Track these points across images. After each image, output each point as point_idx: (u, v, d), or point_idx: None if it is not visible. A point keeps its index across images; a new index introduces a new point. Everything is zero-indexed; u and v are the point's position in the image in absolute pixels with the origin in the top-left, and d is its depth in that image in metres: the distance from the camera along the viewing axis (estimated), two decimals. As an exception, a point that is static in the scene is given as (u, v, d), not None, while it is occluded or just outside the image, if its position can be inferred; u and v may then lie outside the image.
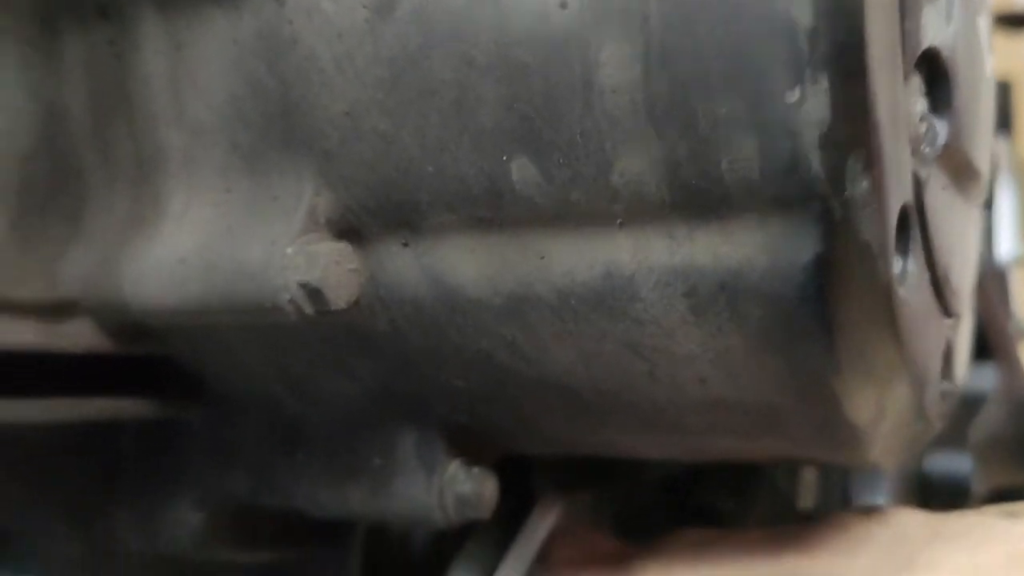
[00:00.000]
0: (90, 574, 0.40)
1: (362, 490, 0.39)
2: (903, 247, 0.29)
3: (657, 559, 0.43)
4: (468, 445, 0.38)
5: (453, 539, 0.51)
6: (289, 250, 0.30)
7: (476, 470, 0.38)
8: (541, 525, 0.48)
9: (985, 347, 0.65)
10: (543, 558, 0.48)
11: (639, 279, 0.29)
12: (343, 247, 0.31)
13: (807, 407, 0.30)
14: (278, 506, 0.42)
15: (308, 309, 0.31)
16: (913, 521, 0.38)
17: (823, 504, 0.51)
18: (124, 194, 0.35)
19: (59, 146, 0.34)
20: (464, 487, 0.38)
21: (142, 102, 0.34)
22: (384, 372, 0.36)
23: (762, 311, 0.28)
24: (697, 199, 0.27)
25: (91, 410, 0.34)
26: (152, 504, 0.43)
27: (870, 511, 0.40)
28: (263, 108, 0.32)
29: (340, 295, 0.31)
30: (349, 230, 0.32)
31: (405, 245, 0.32)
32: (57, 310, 0.34)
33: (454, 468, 0.38)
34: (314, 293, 0.30)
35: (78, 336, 0.35)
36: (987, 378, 0.63)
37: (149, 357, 0.38)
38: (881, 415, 0.32)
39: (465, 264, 0.31)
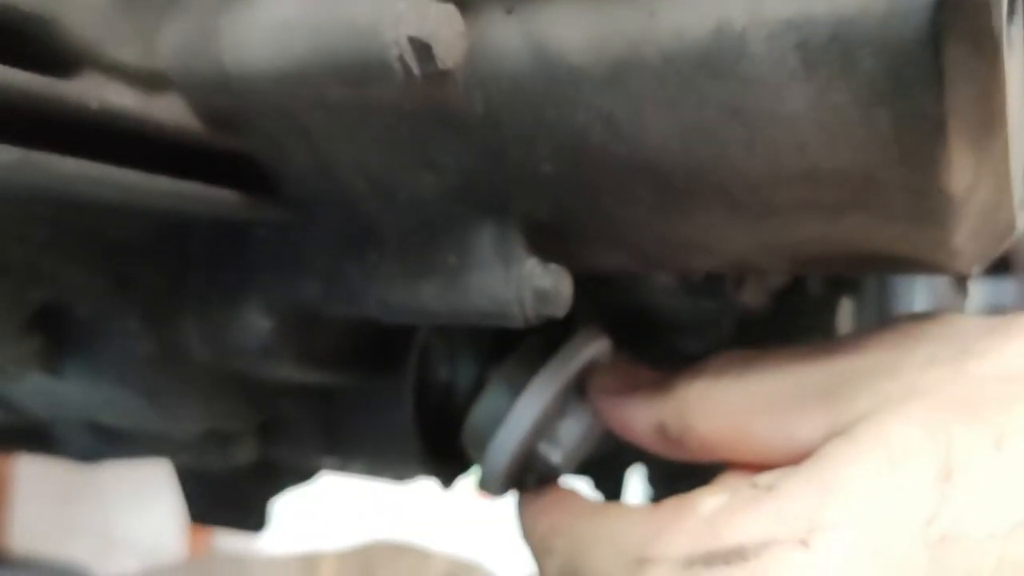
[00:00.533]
0: (159, 374, 0.40)
1: (437, 287, 0.39)
2: (1011, 7, 0.30)
3: (701, 379, 0.43)
4: (545, 248, 0.39)
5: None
6: (400, 5, 0.31)
7: (553, 266, 0.38)
8: (580, 350, 0.48)
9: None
10: (581, 390, 0.49)
11: (750, 33, 0.29)
12: (450, 8, 0.31)
13: (904, 171, 0.31)
14: (348, 313, 0.42)
15: (416, 67, 0.31)
16: (968, 320, 0.38)
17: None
18: (220, -36, 0.35)
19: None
20: (543, 281, 0.38)
21: None
22: (470, 161, 0.36)
23: (874, 60, 0.28)
24: (821, -63, 0.27)
25: (187, 192, 0.34)
26: (220, 310, 0.43)
27: (922, 314, 0.40)
28: None
29: (449, 54, 0.31)
30: (453, -6, 0.32)
31: (509, 12, 0.32)
32: (152, 81, 0.34)
33: (531, 264, 0.38)
34: (423, 49, 0.31)
35: (170, 112, 0.35)
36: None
37: (231, 153, 0.38)
38: (974, 188, 0.32)
39: (571, 28, 0.32)
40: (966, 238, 0.34)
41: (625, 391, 0.46)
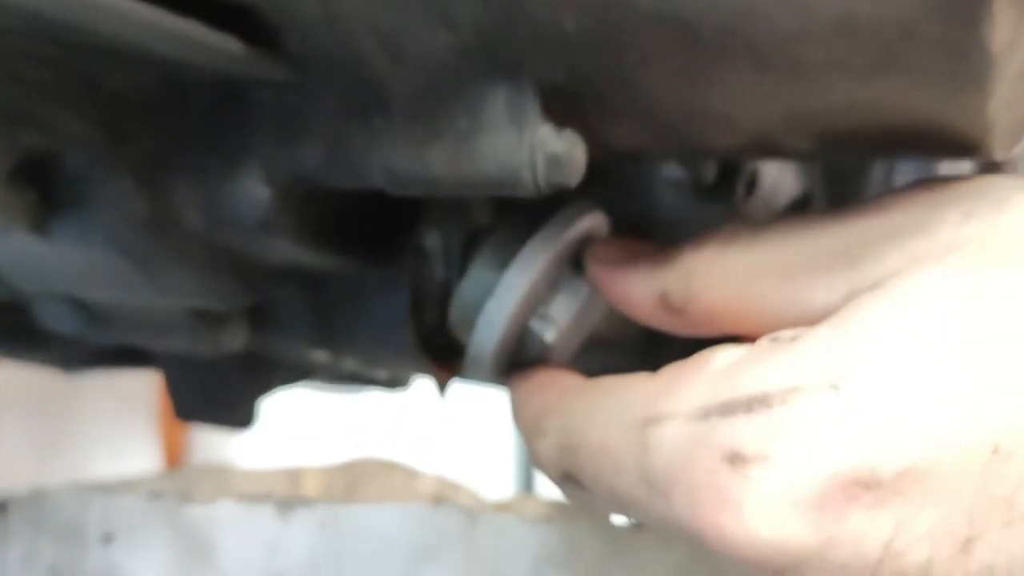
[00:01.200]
0: (152, 239, 0.39)
1: (445, 153, 0.38)
2: None
3: (708, 246, 0.40)
4: (560, 113, 0.37)
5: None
6: None
7: (568, 132, 0.37)
8: (574, 220, 0.45)
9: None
10: (577, 265, 0.46)
11: None
12: None
13: (946, 21, 0.30)
14: (351, 183, 0.41)
15: None
16: (1004, 178, 0.35)
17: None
18: None
19: None
20: (556, 146, 0.37)
21: None
22: (489, 16, 0.35)
23: None
24: None
25: (194, 34, 0.32)
26: (217, 176, 0.41)
27: (953, 176, 0.37)
28: None
29: None
30: None
31: None
32: None
33: (545, 129, 0.37)
34: None
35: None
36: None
37: (235, 5, 0.36)
38: (1014, 47, 0.31)
39: None
40: (1001, 106, 0.33)
41: (625, 261, 0.43)
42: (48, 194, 0.39)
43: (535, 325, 0.45)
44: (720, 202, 0.54)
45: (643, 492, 0.36)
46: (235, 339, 0.50)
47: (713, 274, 0.39)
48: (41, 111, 0.36)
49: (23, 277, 0.47)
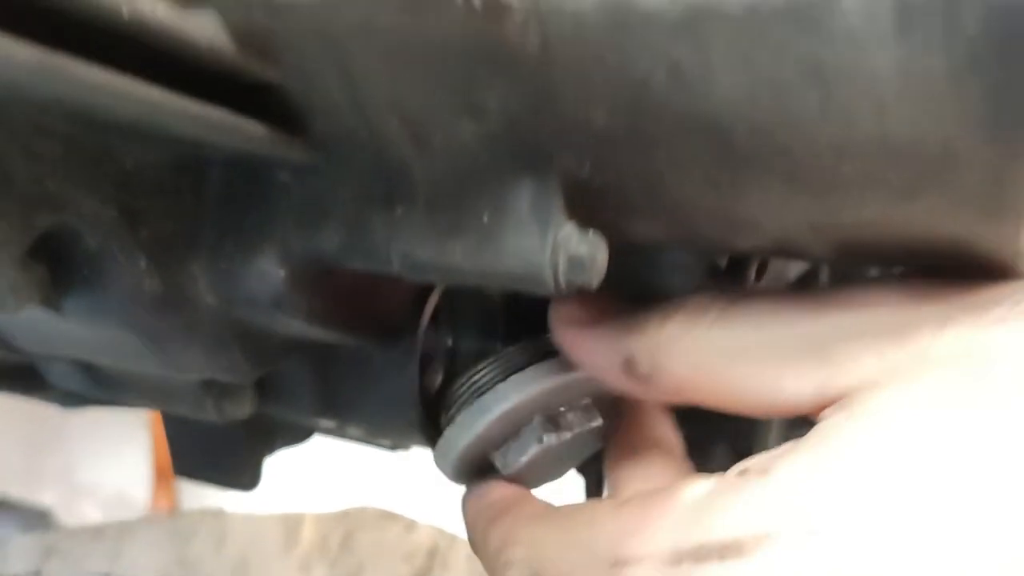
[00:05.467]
0: (164, 317, 0.38)
1: (467, 245, 0.37)
2: None
3: (679, 314, 0.39)
4: (583, 212, 0.37)
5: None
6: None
7: (592, 233, 0.36)
8: (556, 372, 0.45)
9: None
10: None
11: (843, -15, 0.27)
12: (518, -65, 0.29)
13: (992, 149, 0.29)
14: (369, 268, 0.40)
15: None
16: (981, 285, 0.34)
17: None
18: None
19: None
20: (580, 248, 0.36)
21: None
22: (516, 106, 0.34)
23: (980, 25, 0.26)
24: None
25: (214, 118, 0.32)
26: (233, 254, 0.41)
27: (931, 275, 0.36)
28: None
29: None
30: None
31: (580, -54, 0.30)
32: (187, -7, 0.32)
33: (569, 229, 0.36)
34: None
35: (202, 29, 0.33)
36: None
37: (260, 84, 0.36)
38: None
39: (645, -33, 0.29)
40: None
41: (591, 322, 0.42)
42: (61, 271, 0.38)
43: (494, 456, 0.46)
44: (731, 283, 0.53)
45: None
46: (241, 408, 0.49)
47: (683, 346, 0.38)
48: (55, 190, 0.35)
49: (32, 342, 0.46)
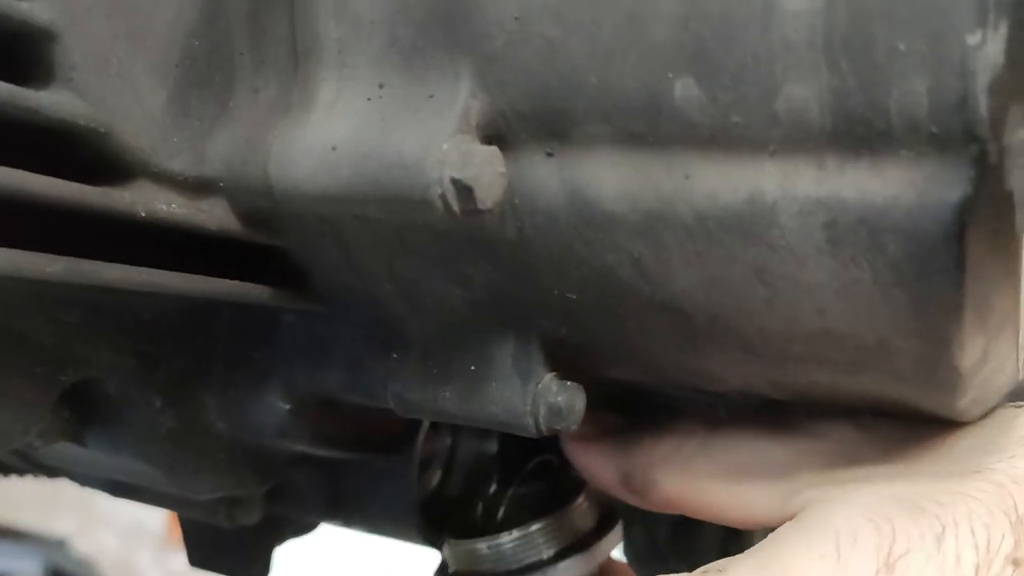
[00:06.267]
0: (177, 448, 0.42)
1: (455, 392, 0.40)
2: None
3: (668, 438, 0.45)
4: (562, 361, 0.40)
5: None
6: (445, 146, 0.32)
7: (569, 384, 0.40)
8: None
9: None
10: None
11: (781, 207, 0.31)
12: (494, 150, 0.33)
13: (918, 344, 0.32)
14: (366, 404, 0.44)
15: (456, 206, 0.32)
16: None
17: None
18: (272, 79, 0.36)
19: (217, 27, 0.35)
20: (557, 398, 0.39)
21: (303, -8, 0.35)
22: (499, 281, 0.37)
23: (899, 247, 0.29)
24: (858, 130, 0.28)
25: (220, 288, 0.35)
26: (241, 390, 0.44)
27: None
28: (429, 5, 0.33)
29: (489, 195, 0.32)
30: (497, 135, 0.33)
31: (549, 155, 0.33)
32: (199, 187, 0.35)
33: (548, 380, 0.39)
34: (465, 191, 0.32)
35: (212, 215, 0.36)
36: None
37: (265, 248, 0.39)
38: (983, 363, 0.33)
39: (608, 178, 0.33)
40: (969, 402, 0.36)
41: (594, 437, 0.48)
42: (84, 412, 0.42)
43: None
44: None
45: None
46: (251, 515, 0.53)
47: (671, 467, 0.44)
48: (78, 349, 0.39)
49: (58, 461, 0.50)
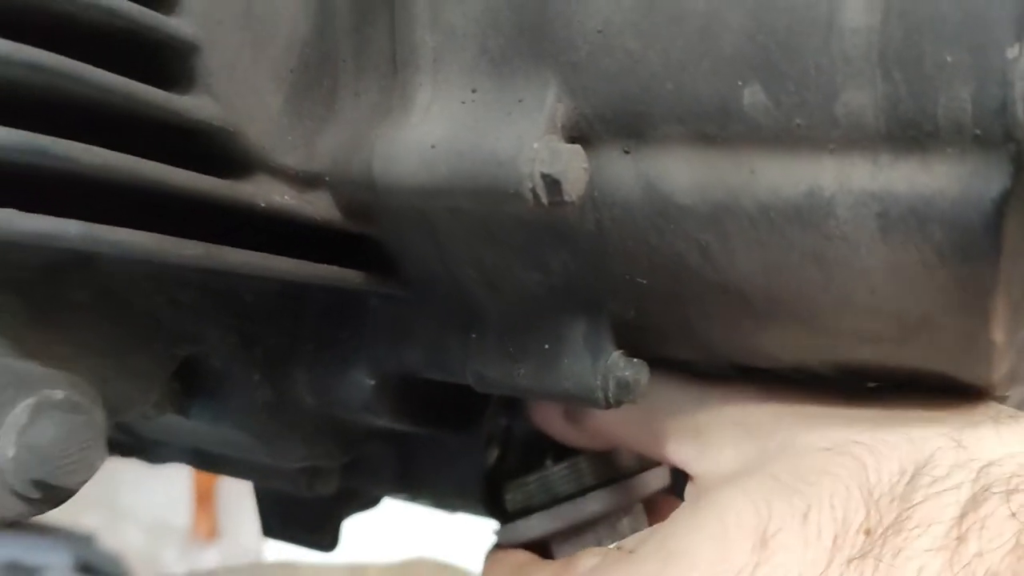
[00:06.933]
0: (272, 419, 0.46)
1: (530, 369, 0.44)
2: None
3: None
4: (628, 340, 0.44)
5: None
6: (536, 144, 0.36)
7: (635, 360, 0.43)
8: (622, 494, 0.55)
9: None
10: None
11: (838, 199, 0.34)
12: (578, 148, 0.36)
13: (959, 320, 0.36)
14: (445, 379, 0.48)
15: (545, 198, 0.36)
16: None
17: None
18: (373, 85, 0.40)
19: (325, 38, 0.39)
20: (625, 373, 0.43)
21: (403, 5, 0.39)
22: (576, 268, 0.41)
23: (944, 234, 0.33)
24: (909, 132, 0.32)
25: (323, 273, 0.39)
26: (330, 367, 0.48)
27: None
28: (517, 18, 0.37)
29: (574, 189, 0.36)
30: (580, 136, 0.37)
31: (627, 153, 0.37)
32: (308, 181, 0.39)
33: (616, 357, 0.43)
34: (553, 184, 0.36)
35: (318, 207, 0.40)
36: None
37: (359, 238, 0.43)
38: (1014, 335, 0.37)
39: (680, 174, 0.36)
40: (1004, 372, 0.39)
41: None
42: (190, 385, 0.46)
43: (555, 544, 0.54)
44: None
45: None
46: (329, 486, 0.57)
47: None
48: (191, 328, 0.43)
49: (155, 433, 0.54)
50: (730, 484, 0.41)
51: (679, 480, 0.56)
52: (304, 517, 0.65)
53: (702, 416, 0.45)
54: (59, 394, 0.34)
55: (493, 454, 0.61)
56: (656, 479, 0.55)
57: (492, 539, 0.57)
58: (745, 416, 0.44)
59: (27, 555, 1.66)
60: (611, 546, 0.45)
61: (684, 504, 0.44)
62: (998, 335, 0.36)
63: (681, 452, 0.45)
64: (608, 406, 0.44)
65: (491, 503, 0.58)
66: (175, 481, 2.30)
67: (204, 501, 2.36)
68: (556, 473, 0.53)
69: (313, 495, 0.57)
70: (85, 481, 0.34)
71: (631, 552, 0.42)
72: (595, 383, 0.43)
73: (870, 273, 0.36)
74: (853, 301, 0.37)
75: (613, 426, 0.49)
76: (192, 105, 0.34)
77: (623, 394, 0.43)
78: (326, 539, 0.64)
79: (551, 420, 0.53)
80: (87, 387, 0.36)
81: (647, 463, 0.55)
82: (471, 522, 0.64)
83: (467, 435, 0.56)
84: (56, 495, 0.34)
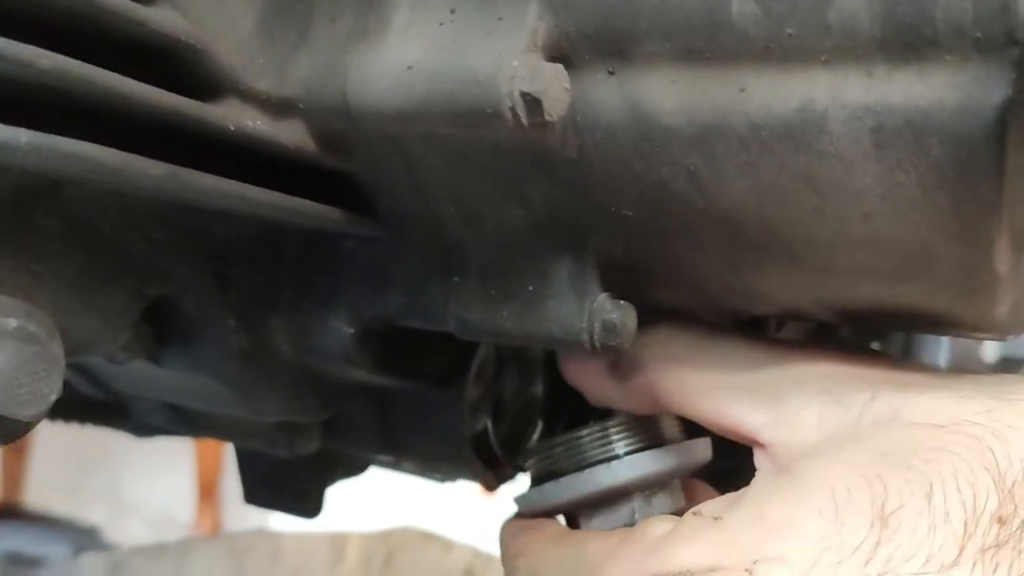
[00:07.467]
0: (249, 369, 0.44)
1: (513, 312, 0.43)
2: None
3: (662, 330, 0.46)
4: (615, 281, 0.42)
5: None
6: (515, 63, 0.34)
7: (622, 302, 0.42)
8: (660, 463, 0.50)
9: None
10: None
11: (831, 113, 0.33)
12: (560, 67, 0.35)
13: (959, 249, 0.34)
14: (426, 327, 0.46)
15: (525, 118, 0.34)
16: (912, 364, 0.41)
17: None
18: (348, 9, 0.39)
19: (298, -43, 0.38)
20: (612, 315, 0.41)
21: (380, -75, 0.37)
22: (557, 199, 0.40)
23: (942, 149, 0.32)
24: (905, 38, 0.31)
25: (298, 207, 0.38)
26: (308, 314, 0.47)
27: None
28: (498, -65, 0.35)
29: (555, 108, 0.34)
30: (562, 55, 0.36)
31: (611, 73, 0.36)
32: (280, 107, 0.38)
33: (603, 299, 0.42)
34: (533, 103, 0.34)
35: (291, 135, 0.39)
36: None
37: (333, 174, 0.42)
38: (1020, 270, 0.35)
39: (666, 94, 0.35)
40: (1008, 310, 0.38)
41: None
42: (162, 329, 0.44)
43: (582, 515, 0.50)
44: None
45: None
46: (309, 445, 0.55)
47: (660, 354, 0.45)
48: (164, 265, 0.41)
49: (129, 386, 0.52)
50: (827, 456, 0.38)
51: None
52: (287, 483, 0.63)
53: (777, 379, 0.42)
54: (12, 323, 0.32)
55: (483, 419, 0.60)
56: (701, 450, 0.51)
57: (509, 509, 0.54)
58: (830, 382, 0.41)
59: (29, 546, 1.66)
60: (690, 511, 0.41)
61: (767, 473, 0.40)
62: (1001, 265, 0.35)
63: (752, 417, 0.41)
64: (594, 350, 0.42)
65: (478, 466, 0.56)
66: (179, 475, 2.30)
67: (207, 495, 2.35)
68: (586, 437, 0.49)
69: (293, 455, 0.56)
70: (38, 415, 0.32)
71: (716, 519, 0.38)
72: (580, 326, 0.41)
73: (865, 196, 0.34)
74: (847, 228, 0.35)
75: (666, 384, 0.45)
76: (157, 16, 0.33)
77: (609, 338, 0.42)
78: (309, 506, 0.63)
79: (589, 376, 0.49)
80: (44, 318, 0.34)
81: (689, 434, 0.51)
82: (453, 492, 0.62)
83: (448, 392, 0.54)
84: (7, 427, 0.32)
